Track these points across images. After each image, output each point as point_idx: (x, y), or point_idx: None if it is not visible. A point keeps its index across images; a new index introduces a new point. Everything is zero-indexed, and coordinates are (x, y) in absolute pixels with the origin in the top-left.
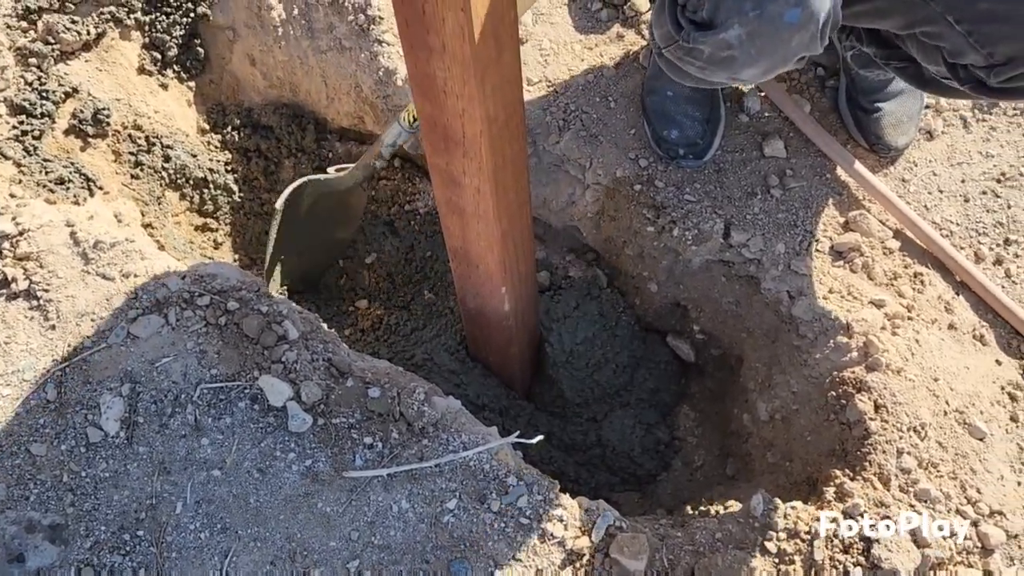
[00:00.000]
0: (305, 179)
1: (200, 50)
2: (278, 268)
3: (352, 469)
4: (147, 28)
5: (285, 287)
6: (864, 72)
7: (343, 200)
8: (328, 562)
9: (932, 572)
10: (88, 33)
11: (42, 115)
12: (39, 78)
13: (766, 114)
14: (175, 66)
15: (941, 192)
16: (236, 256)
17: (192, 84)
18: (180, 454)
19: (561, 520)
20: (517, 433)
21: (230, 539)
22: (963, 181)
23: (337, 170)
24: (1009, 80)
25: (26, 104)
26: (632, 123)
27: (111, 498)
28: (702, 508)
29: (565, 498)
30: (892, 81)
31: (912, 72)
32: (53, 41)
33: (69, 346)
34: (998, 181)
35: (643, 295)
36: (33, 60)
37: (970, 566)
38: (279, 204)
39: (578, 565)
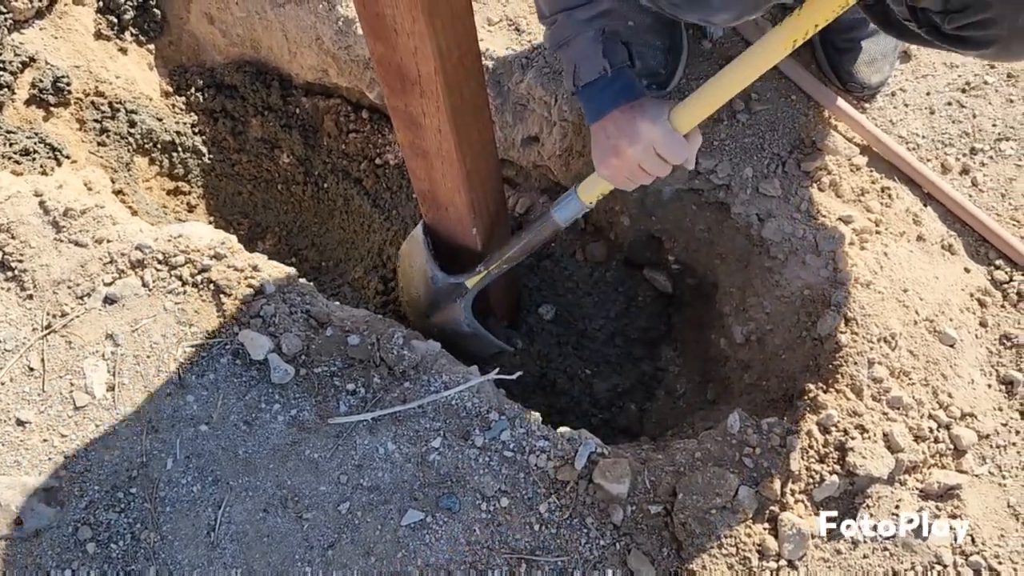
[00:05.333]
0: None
1: (156, 11)
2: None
3: (336, 416)
4: None
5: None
6: None
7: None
8: (319, 506)
9: (906, 475)
10: (40, 0)
11: (1, 86)
12: None
13: (729, 40)
14: (132, 29)
15: (907, 106)
16: (211, 218)
17: (151, 47)
18: (167, 412)
19: (544, 451)
20: (497, 370)
21: (222, 490)
22: (928, 93)
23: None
24: (962, 28)
25: None
26: None
27: (102, 458)
28: (683, 434)
29: (547, 429)
30: (866, 19)
31: (879, 11)
32: (5, 10)
33: (48, 314)
34: (963, 91)
35: (617, 229)
36: None
37: (943, 467)
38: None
39: (563, 492)
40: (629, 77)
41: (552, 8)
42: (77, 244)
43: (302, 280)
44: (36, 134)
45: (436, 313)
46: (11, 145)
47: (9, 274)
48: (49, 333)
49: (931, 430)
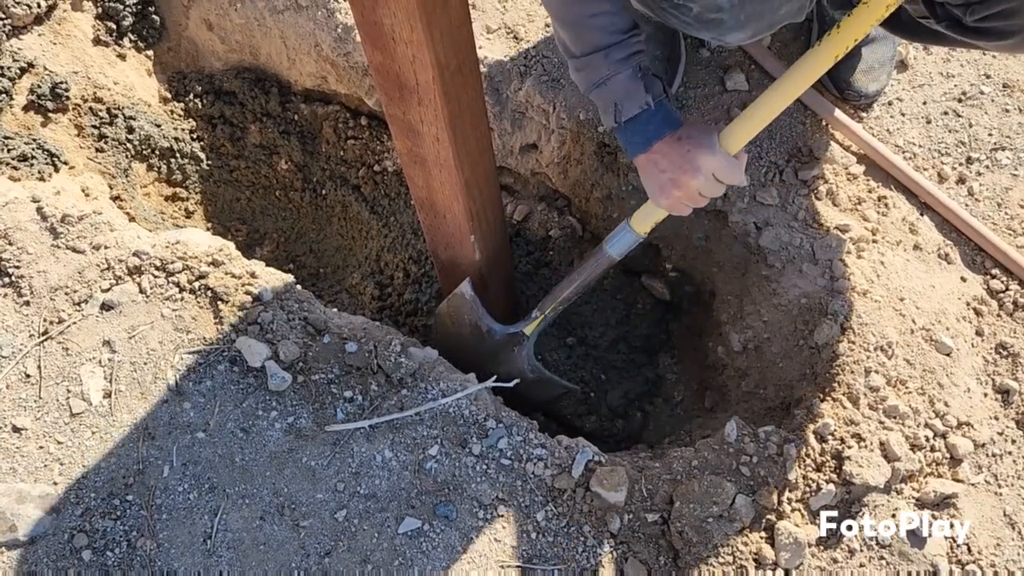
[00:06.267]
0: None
1: (155, 18)
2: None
3: (334, 423)
4: None
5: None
6: (839, 15)
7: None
8: (316, 513)
9: (903, 484)
10: (39, 6)
11: None
12: None
13: (727, 49)
14: (131, 35)
15: (904, 115)
16: (209, 224)
17: (150, 53)
18: (163, 419)
19: (541, 459)
20: (494, 378)
21: (218, 498)
22: (925, 103)
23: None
24: (984, 19)
25: None
26: None
27: (99, 465)
28: (681, 442)
29: (544, 437)
30: None
31: (891, 14)
32: (4, 16)
33: (45, 321)
34: (959, 101)
35: None
36: None
37: (940, 476)
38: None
39: (560, 500)
40: (668, 108)
41: (584, 49)
42: (74, 250)
43: (299, 287)
44: (34, 140)
45: (495, 367)
46: (9, 151)
47: (6, 280)
48: (46, 339)
49: (927, 439)
